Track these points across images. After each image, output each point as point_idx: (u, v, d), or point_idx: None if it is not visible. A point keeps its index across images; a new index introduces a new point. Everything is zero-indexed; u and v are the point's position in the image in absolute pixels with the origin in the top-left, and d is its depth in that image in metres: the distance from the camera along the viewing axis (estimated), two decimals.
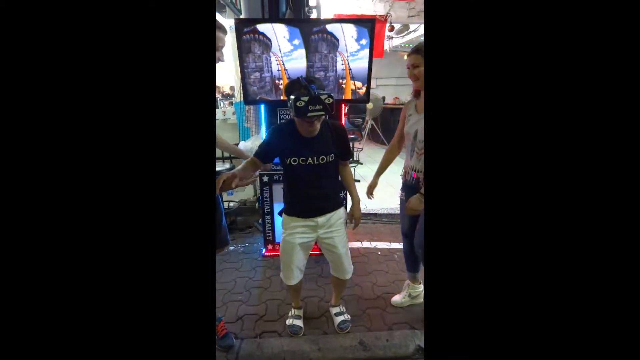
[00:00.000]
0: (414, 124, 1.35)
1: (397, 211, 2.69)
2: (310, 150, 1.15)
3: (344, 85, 1.75)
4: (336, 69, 1.72)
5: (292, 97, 1.01)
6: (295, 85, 1.07)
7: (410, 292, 1.61)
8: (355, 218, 1.33)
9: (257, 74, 1.69)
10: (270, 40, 1.62)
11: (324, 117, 1.10)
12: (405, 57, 1.23)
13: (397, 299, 1.65)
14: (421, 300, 1.61)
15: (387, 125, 5.76)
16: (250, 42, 1.62)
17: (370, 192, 1.58)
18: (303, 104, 0.99)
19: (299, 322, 1.48)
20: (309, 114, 1.00)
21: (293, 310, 1.52)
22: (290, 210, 1.28)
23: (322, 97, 1.00)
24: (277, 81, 1.72)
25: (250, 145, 2.09)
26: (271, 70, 1.69)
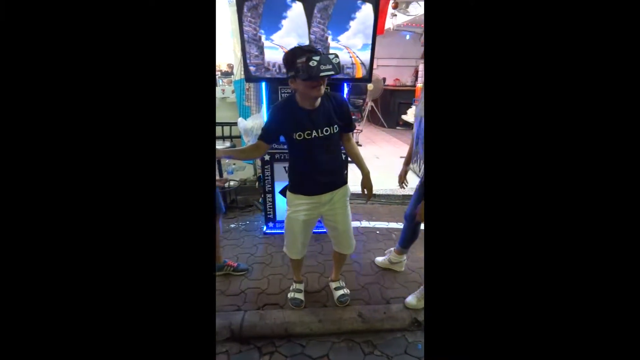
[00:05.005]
0: (422, 109, 1.32)
1: (395, 192, 2.67)
2: (314, 122, 1.15)
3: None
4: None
5: (300, 60, 1.00)
6: (298, 51, 1.05)
7: (391, 259, 1.79)
8: (368, 190, 1.35)
9: (259, 50, 1.66)
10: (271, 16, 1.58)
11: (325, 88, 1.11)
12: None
13: (379, 259, 1.86)
14: (401, 269, 1.80)
15: (386, 107, 5.71)
16: (253, 17, 1.58)
17: (401, 182, 1.59)
18: (315, 63, 0.98)
19: (300, 296, 1.54)
20: (322, 74, 1.00)
21: (294, 284, 1.58)
22: (295, 188, 1.29)
23: (330, 56, 1.01)
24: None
25: (250, 124, 2.08)
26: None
